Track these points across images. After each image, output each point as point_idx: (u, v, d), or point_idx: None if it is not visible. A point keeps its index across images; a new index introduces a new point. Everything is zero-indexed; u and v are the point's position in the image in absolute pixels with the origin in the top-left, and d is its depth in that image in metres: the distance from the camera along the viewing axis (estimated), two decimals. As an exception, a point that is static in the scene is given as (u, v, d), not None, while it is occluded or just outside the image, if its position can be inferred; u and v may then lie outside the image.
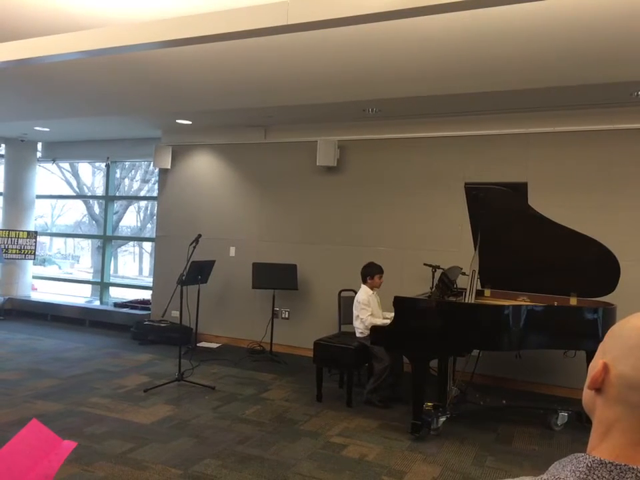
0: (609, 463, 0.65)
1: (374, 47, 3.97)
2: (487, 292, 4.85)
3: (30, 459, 0.99)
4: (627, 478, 0.63)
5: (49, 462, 0.98)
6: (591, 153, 5.33)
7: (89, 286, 11.09)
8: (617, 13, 3.25)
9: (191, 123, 6.89)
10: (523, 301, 4.52)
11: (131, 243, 14.73)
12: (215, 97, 5.53)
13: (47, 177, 10.73)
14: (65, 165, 11.95)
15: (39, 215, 11.55)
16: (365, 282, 5.02)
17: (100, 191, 11.80)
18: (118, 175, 10.40)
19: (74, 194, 12.63)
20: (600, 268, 4.22)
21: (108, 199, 8.99)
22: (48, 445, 1.01)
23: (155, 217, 8.28)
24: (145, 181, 12.80)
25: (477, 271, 4.29)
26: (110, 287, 9.03)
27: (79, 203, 13.67)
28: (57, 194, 11.48)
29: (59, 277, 12.09)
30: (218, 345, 6.94)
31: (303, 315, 6.64)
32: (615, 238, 4.69)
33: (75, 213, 14.10)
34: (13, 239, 8.48)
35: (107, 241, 8.97)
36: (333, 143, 6.32)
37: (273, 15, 2.80)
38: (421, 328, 4.09)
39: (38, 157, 9.14)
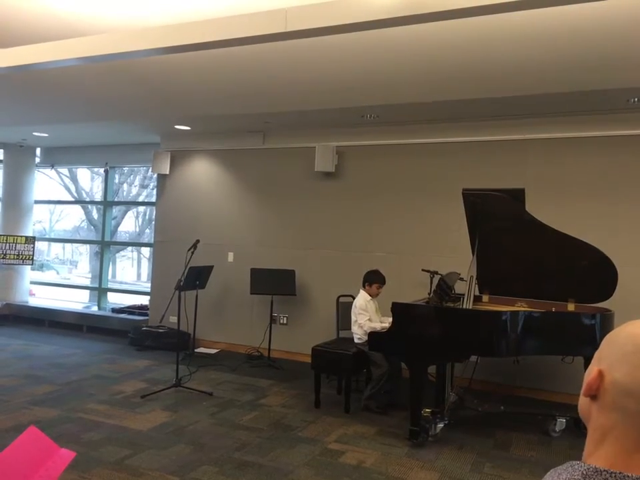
0: (604, 470, 0.65)
1: (372, 53, 3.99)
2: (485, 298, 4.85)
3: (27, 467, 0.99)
4: (622, 486, 0.64)
5: (46, 470, 0.98)
6: (588, 159, 5.34)
7: (87, 291, 11.06)
8: (613, 19, 3.27)
9: (189, 128, 6.90)
10: (521, 307, 4.53)
11: (129, 248, 14.72)
12: (214, 102, 5.55)
13: (45, 182, 10.74)
14: (64, 170, 11.95)
15: (37, 220, 11.54)
16: (364, 287, 5.02)
17: (98, 196, 11.80)
18: (116, 181, 10.40)
19: (72, 199, 12.64)
20: (597, 274, 4.23)
21: (106, 204, 9.00)
22: (45, 453, 1.01)
23: (153, 223, 8.27)
24: (143, 186, 12.81)
25: (474, 277, 4.29)
26: (108, 293, 9.01)
27: (78, 208, 13.67)
28: (55, 199, 11.48)
29: (56, 282, 12.07)
30: (216, 350, 6.93)
31: (301, 320, 6.63)
32: (612, 244, 4.70)
33: (73, 218, 14.11)
34: (11, 244, 8.46)
35: (105, 246, 8.97)
36: (331, 149, 6.34)
37: (272, 22, 2.82)
38: (418, 334, 4.09)
39: (36, 162, 9.14)
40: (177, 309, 5.15)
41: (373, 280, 4.99)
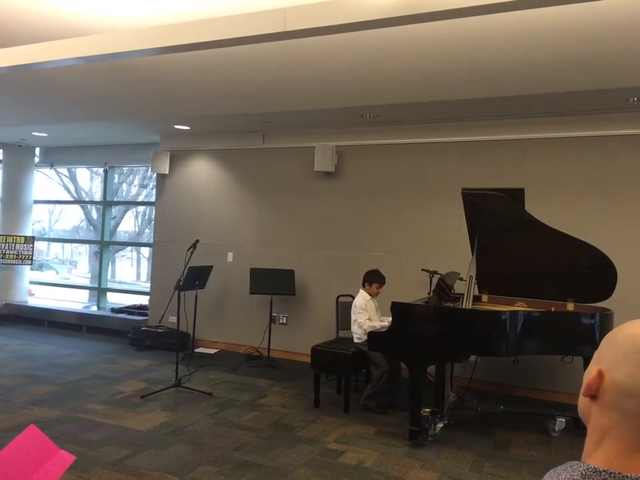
0: (603, 471, 0.65)
1: (371, 53, 3.99)
2: (485, 297, 4.86)
3: (26, 466, 0.99)
4: (621, 486, 0.64)
5: (44, 472, 0.98)
6: (587, 159, 5.35)
7: (87, 291, 11.05)
8: (612, 19, 3.27)
9: (189, 128, 6.90)
10: (520, 307, 4.53)
11: (129, 248, 14.70)
12: (213, 102, 5.54)
13: (44, 182, 10.73)
14: (63, 170, 11.93)
15: (37, 220, 11.54)
16: (364, 286, 5.02)
17: (98, 196, 11.78)
18: (116, 180, 10.39)
19: (72, 199, 12.62)
20: (597, 274, 4.23)
21: (106, 204, 8.99)
22: (45, 454, 1.01)
23: (152, 222, 8.27)
24: (142, 186, 12.80)
25: (474, 277, 4.29)
26: (107, 293, 9.01)
27: (77, 208, 13.65)
28: (54, 199, 11.47)
29: (56, 282, 12.06)
30: (215, 350, 6.92)
31: (300, 320, 6.63)
32: (611, 243, 4.70)
33: (72, 218, 14.08)
34: (10, 244, 8.45)
35: (104, 246, 8.96)
36: (330, 149, 6.33)
37: (271, 21, 2.82)
38: (418, 333, 4.09)
39: (36, 162, 9.14)
40: (176, 308, 5.15)
41: (373, 279, 4.99)
